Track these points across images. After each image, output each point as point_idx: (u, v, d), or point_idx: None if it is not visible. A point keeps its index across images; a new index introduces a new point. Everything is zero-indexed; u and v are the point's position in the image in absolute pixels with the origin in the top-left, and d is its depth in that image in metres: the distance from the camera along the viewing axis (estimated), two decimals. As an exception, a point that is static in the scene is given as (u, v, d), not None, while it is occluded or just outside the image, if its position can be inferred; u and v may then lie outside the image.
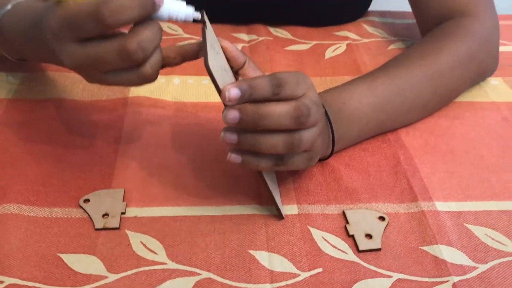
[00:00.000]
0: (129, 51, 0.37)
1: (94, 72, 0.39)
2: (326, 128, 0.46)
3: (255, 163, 0.40)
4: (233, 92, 0.37)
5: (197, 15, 0.39)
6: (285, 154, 0.40)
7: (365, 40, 0.71)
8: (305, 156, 0.42)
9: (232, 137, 0.39)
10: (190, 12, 0.39)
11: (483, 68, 0.60)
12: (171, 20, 0.39)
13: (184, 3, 0.39)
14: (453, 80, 0.56)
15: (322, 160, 0.49)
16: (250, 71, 0.43)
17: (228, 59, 0.43)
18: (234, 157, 0.40)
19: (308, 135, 0.40)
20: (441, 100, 0.57)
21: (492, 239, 0.43)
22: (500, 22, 0.69)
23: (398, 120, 0.54)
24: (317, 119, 0.40)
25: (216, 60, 0.39)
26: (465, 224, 0.44)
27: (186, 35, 0.70)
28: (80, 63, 0.38)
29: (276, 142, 0.39)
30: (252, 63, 0.44)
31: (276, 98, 0.38)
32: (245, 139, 0.39)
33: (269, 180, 0.43)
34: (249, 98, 0.38)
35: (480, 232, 0.44)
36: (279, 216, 0.44)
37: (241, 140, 0.39)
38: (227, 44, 0.43)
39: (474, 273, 0.40)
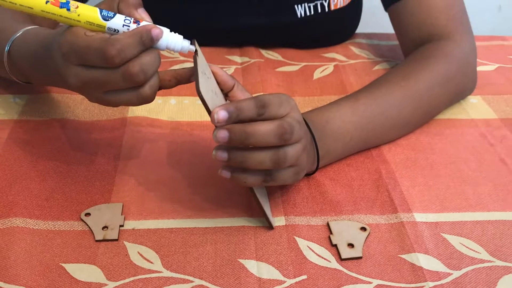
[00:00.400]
0: (132, 73, 0.40)
1: (96, 91, 0.43)
2: (311, 145, 0.49)
3: (243, 178, 0.44)
4: (221, 114, 0.41)
5: (192, 47, 0.43)
6: (273, 170, 0.44)
7: (352, 62, 0.74)
8: (291, 171, 0.45)
9: (223, 155, 0.43)
10: (185, 44, 0.43)
11: (461, 88, 0.64)
12: (168, 50, 0.43)
13: (181, 36, 0.43)
14: (432, 100, 0.60)
15: (308, 175, 0.53)
16: (239, 93, 0.47)
17: (218, 83, 0.46)
18: (225, 173, 0.44)
19: (292, 151, 0.43)
20: (421, 118, 0.60)
21: (466, 247, 0.46)
22: (480, 43, 0.73)
23: (380, 138, 0.57)
24: (300, 136, 0.44)
25: (207, 85, 0.43)
26: (441, 234, 0.47)
27: (181, 58, 0.73)
28: (84, 83, 0.42)
29: (262, 158, 0.42)
30: (240, 85, 0.47)
31: (261, 118, 0.42)
32: (235, 156, 0.43)
33: (259, 193, 0.47)
34: (236, 119, 0.41)
35: (455, 241, 0.47)
36: (269, 226, 0.47)
37: (231, 158, 0.43)
38: (217, 69, 0.46)
39: (449, 279, 0.43)
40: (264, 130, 0.41)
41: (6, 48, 0.51)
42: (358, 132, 0.54)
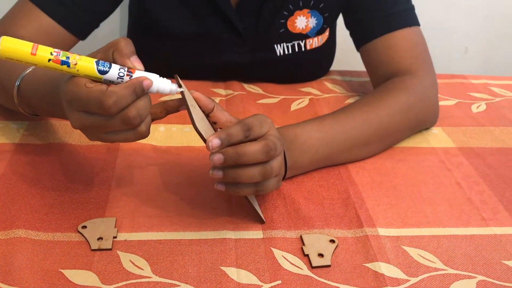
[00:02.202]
0: (130, 118, 0.46)
1: (96, 132, 0.49)
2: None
3: (237, 190, 0.51)
4: (215, 142, 0.48)
5: (179, 89, 0.49)
6: (262, 181, 0.51)
7: (326, 95, 0.82)
8: (276, 179, 0.53)
9: (218, 173, 0.50)
10: (173, 88, 0.49)
11: (421, 118, 0.71)
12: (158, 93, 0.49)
13: (169, 81, 0.49)
14: (393, 125, 0.67)
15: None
16: (219, 113, 0.53)
17: (200, 106, 0.53)
18: (220, 186, 0.51)
19: (276, 164, 0.51)
20: (381, 141, 0.67)
21: (423, 258, 0.52)
22: (442, 81, 0.81)
23: (343, 155, 0.64)
24: (281, 150, 0.52)
25: (197, 116, 0.50)
26: (402, 246, 0.53)
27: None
28: (86, 126, 0.48)
29: (253, 173, 0.50)
30: (219, 106, 0.54)
31: (247, 139, 0.49)
32: (229, 174, 0.50)
33: (250, 196, 0.54)
34: (227, 144, 0.48)
35: (413, 252, 0.53)
36: (260, 221, 0.54)
37: (226, 175, 0.50)
38: (198, 95, 0.52)
39: (407, 284, 0.49)
40: (253, 150, 0.49)
41: (17, 83, 0.57)
42: (323, 147, 0.61)
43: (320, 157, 0.62)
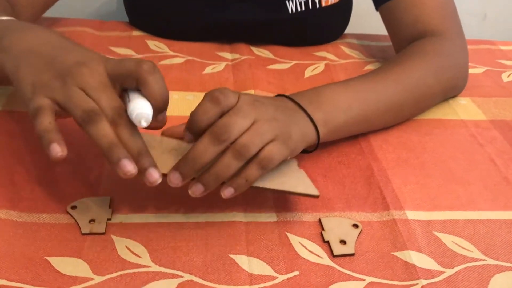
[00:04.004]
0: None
1: None
2: (300, 113, 0.48)
3: (241, 182, 0.43)
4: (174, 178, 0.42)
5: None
6: (249, 162, 0.42)
7: (343, 61, 0.74)
8: (269, 148, 0.43)
9: (199, 188, 0.42)
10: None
11: (452, 84, 0.65)
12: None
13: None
14: (425, 89, 0.60)
15: (309, 151, 0.51)
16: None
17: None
18: (228, 191, 0.43)
19: (245, 138, 0.42)
20: (414, 105, 0.60)
21: (458, 246, 0.46)
22: (468, 47, 0.73)
23: (377, 118, 0.57)
24: (240, 123, 0.42)
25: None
26: (433, 232, 0.47)
27: (171, 53, 0.72)
28: None
29: (226, 162, 0.42)
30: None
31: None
32: (207, 180, 0.42)
33: (272, 184, 0.44)
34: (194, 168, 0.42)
35: (447, 239, 0.47)
36: (313, 196, 0.45)
37: (205, 183, 0.42)
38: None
39: (441, 277, 0.43)
40: (201, 148, 0.41)
41: None
42: (356, 104, 0.54)
43: (354, 115, 0.53)
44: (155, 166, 0.41)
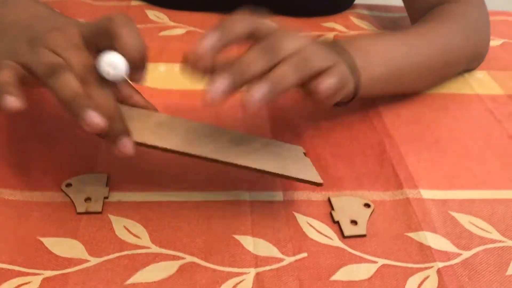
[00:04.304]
0: None
1: None
2: (340, 55, 0.44)
3: (279, 78, 0.36)
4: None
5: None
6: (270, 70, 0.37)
7: (352, 32, 0.71)
8: (289, 67, 0.37)
9: (224, 83, 0.35)
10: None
11: (476, 52, 0.62)
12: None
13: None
14: (454, 53, 0.58)
15: (345, 103, 0.48)
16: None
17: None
18: (257, 92, 0.35)
19: (285, 41, 0.37)
20: (444, 68, 0.58)
21: (476, 226, 0.43)
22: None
23: (412, 76, 0.54)
24: (294, 42, 0.38)
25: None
26: (449, 212, 0.45)
27: (172, 23, 0.69)
28: None
29: (254, 57, 0.36)
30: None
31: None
32: (235, 72, 0.36)
33: (279, 166, 0.41)
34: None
35: (464, 219, 0.44)
36: (316, 184, 0.40)
37: (233, 75, 0.35)
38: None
39: (458, 259, 0.40)
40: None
41: None
42: (392, 56, 0.51)
43: (392, 69, 0.50)
44: (128, 134, 0.37)
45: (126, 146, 0.37)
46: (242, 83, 0.36)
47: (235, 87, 0.35)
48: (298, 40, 0.38)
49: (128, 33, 0.36)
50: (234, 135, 0.43)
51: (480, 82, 0.62)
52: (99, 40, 0.37)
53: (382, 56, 0.50)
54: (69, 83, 0.35)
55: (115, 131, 0.36)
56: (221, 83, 0.35)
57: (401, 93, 0.56)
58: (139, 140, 0.38)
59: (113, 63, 0.36)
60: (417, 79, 0.56)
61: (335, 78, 0.39)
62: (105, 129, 0.35)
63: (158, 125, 0.41)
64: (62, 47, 0.37)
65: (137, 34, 0.37)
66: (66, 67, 0.36)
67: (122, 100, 0.41)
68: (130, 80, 0.38)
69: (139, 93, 0.43)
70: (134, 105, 0.42)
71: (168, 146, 0.39)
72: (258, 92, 0.35)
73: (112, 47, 0.36)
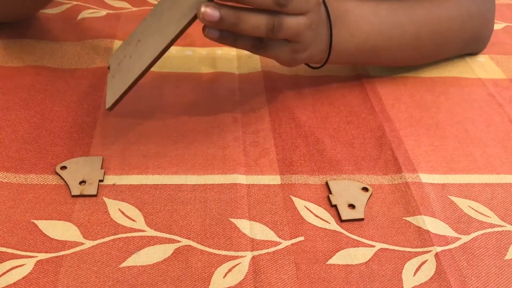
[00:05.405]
0: None
1: None
2: (324, 28, 0.47)
3: (233, 38, 0.41)
4: (210, 12, 0.38)
5: None
6: (266, 38, 0.41)
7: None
8: (288, 46, 0.43)
9: (215, 13, 0.38)
10: None
11: (477, 35, 0.60)
12: None
13: None
14: (451, 32, 0.56)
15: (315, 68, 0.51)
16: None
17: None
18: (212, 32, 0.40)
19: (291, 22, 0.41)
20: (435, 47, 0.57)
21: (475, 211, 0.43)
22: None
23: (392, 53, 0.53)
24: (304, 8, 0.41)
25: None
26: (448, 196, 0.44)
27: None
28: None
29: (257, 22, 0.39)
30: None
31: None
32: (228, 16, 0.38)
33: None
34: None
35: (463, 204, 0.44)
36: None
37: (224, 16, 0.38)
38: None
39: (457, 244, 0.40)
40: None
41: None
42: (374, 36, 0.51)
43: (368, 48, 0.51)
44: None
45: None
46: (232, 28, 0.39)
47: (223, 26, 0.39)
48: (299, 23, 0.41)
49: None
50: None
51: (482, 66, 0.62)
52: None
53: (362, 38, 0.50)
54: None
55: None
56: (214, 12, 0.38)
57: (379, 64, 0.56)
58: (114, 100, 0.41)
59: None
60: (401, 56, 0.55)
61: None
62: None
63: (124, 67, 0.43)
64: None
65: None
66: None
67: None
68: None
69: None
70: None
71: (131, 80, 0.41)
72: (215, 12, 0.38)
73: None
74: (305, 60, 0.48)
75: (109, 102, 0.42)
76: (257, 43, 0.43)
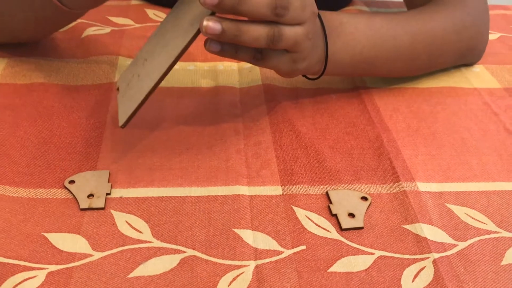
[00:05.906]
0: None
1: None
2: (320, 40, 0.48)
3: (234, 50, 0.43)
4: (212, 26, 0.40)
5: None
6: (265, 49, 0.43)
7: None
8: (288, 56, 0.45)
9: (217, 27, 0.40)
10: None
11: (471, 45, 0.61)
12: None
13: None
14: (445, 44, 0.58)
15: (313, 79, 0.53)
16: None
17: None
18: (214, 46, 0.42)
19: (290, 32, 0.43)
20: (429, 59, 0.58)
21: (472, 218, 0.44)
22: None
23: (386, 64, 0.55)
24: (301, 18, 0.43)
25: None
26: (446, 204, 0.45)
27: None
28: None
29: (257, 33, 0.41)
30: None
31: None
32: (229, 28, 0.40)
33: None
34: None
35: (460, 211, 0.45)
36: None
37: (225, 29, 0.40)
38: None
39: (454, 250, 0.41)
40: (256, 1, 0.40)
41: None
42: (368, 48, 0.52)
43: (363, 59, 0.53)
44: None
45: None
46: (234, 40, 0.41)
47: (225, 38, 0.41)
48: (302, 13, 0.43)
49: None
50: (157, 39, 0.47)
51: (477, 76, 0.63)
52: None
53: (357, 49, 0.52)
54: None
55: None
56: (216, 25, 0.40)
57: (375, 75, 0.58)
58: (126, 117, 0.43)
59: None
60: (395, 67, 0.57)
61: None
62: None
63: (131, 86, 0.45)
64: None
65: None
66: None
67: None
68: None
69: None
70: None
71: (142, 97, 0.43)
72: (217, 25, 0.40)
73: None
74: (304, 71, 0.49)
75: (121, 119, 0.44)
76: (257, 55, 0.44)
